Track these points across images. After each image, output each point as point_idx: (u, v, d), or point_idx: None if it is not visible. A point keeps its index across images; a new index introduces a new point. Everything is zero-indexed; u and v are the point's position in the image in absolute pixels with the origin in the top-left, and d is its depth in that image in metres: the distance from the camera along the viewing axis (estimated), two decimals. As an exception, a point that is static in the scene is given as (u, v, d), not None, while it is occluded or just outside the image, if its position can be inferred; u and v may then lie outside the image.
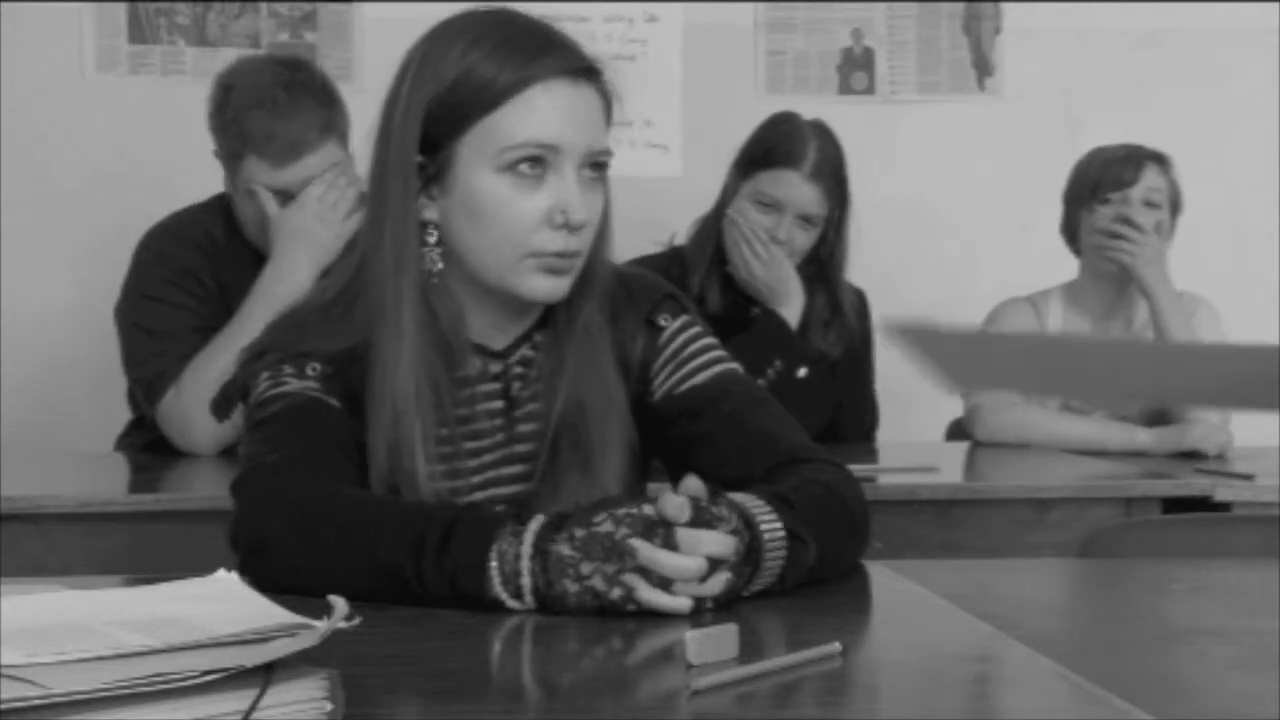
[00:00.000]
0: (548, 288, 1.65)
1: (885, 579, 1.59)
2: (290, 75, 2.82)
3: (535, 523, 1.41)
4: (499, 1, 1.71)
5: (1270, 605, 1.50)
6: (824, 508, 1.55)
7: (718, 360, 1.76)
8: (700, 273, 3.19)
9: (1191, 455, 2.96)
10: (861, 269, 3.45)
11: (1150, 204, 3.17)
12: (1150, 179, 3.17)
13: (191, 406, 2.70)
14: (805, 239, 3.14)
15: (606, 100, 1.67)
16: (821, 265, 3.19)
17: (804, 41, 4.09)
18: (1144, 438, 3.03)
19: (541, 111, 1.61)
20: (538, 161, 1.61)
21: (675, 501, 1.40)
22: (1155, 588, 1.69)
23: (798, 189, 3.09)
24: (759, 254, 3.10)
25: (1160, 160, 3.21)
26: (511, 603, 1.39)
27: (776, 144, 3.13)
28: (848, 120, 3.54)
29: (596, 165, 1.65)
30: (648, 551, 1.36)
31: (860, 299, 3.31)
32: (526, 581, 1.38)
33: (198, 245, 2.89)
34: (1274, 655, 1.28)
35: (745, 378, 1.78)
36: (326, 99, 2.82)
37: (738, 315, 3.18)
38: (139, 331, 2.85)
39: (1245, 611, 1.49)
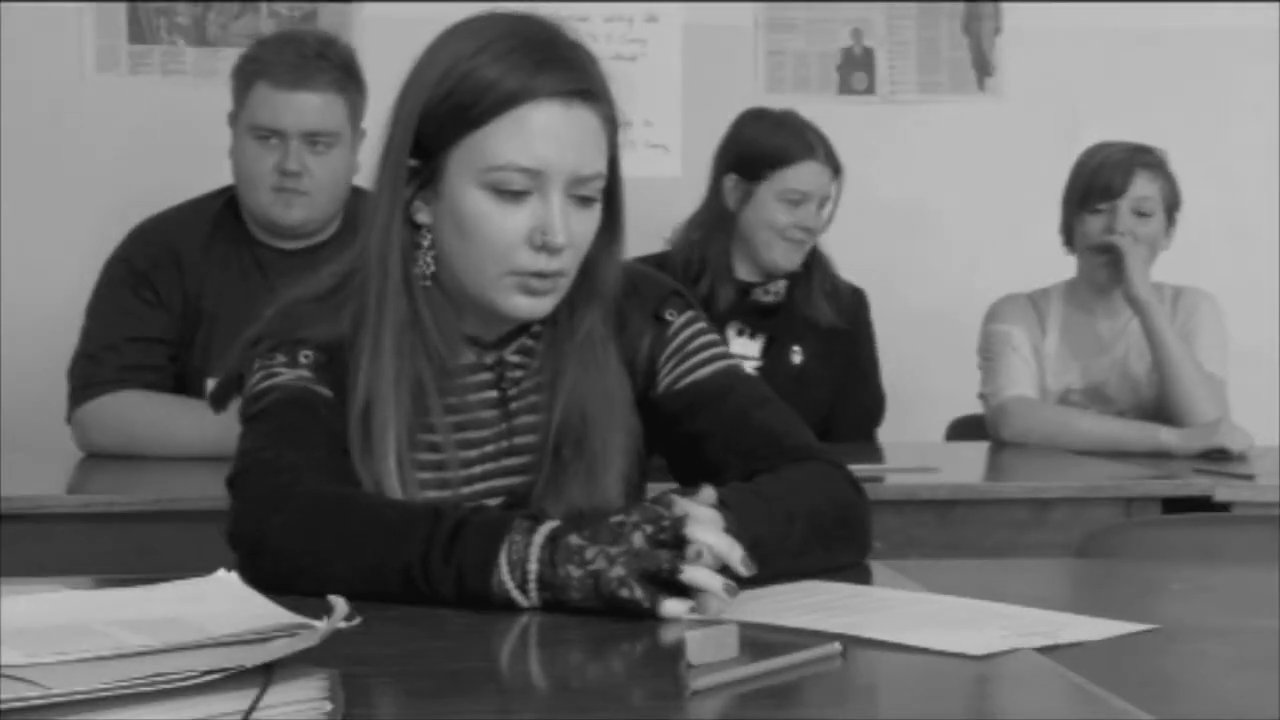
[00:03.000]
0: (527, 306, 1.64)
1: (886, 579, 1.59)
2: (319, 42, 2.93)
3: (552, 520, 1.42)
4: (510, 0, 1.70)
5: (1270, 605, 1.50)
6: (772, 509, 1.54)
7: (720, 356, 1.76)
8: (713, 277, 3.29)
9: (1218, 455, 2.94)
10: (862, 269, 3.45)
11: (1140, 213, 3.17)
12: (1140, 188, 3.16)
13: (88, 430, 2.78)
14: (824, 220, 3.32)
15: (607, 121, 1.64)
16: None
17: (804, 41, 4.09)
18: (1168, 437, 3.03)
19: (528, 133, 1.59)
20: (522, 181, 1.59)
21: (708, 515, 1.41)
22: (1155, 588, 1.69)
23: (819, 176, 3.28)
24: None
25: (1151, 165, 3.18)
26: (516, 594, 1.39)
27: (785, 141, 3.28)
28: (848, 120, 3.54)
29: (586, 189, 1.62)
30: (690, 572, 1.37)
31: (858, 296, 3.36)
32: (533, 568, 1.38)
33: (169, 249, 2.90)
34: (1274, 655, 1.28)
35: (748, 375, 1.78)
36: (346, 68, 2.90)
37: (746, 314, 3.31)
38: (85, 328, 2.90)
39: (1245, 611, 1.49)
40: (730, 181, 3.28)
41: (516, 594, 1.39)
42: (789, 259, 3.28)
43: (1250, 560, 1.85)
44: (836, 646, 1.23)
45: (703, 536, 1.39)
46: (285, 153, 2.85)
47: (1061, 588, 1.76)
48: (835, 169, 3.29)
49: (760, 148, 3.28)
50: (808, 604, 1.41)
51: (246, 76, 2.89)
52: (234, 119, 2.93)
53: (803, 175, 3.25)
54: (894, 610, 1.40)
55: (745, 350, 3.27)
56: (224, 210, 2.97)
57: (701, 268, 3.28)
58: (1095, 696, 1.12)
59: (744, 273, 3.32)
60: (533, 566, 1.39)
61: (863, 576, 1.60)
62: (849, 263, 3.41)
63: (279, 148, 2.85)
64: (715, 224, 3.30)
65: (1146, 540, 2.17)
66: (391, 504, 1.56)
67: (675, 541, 1.38)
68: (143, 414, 2.75)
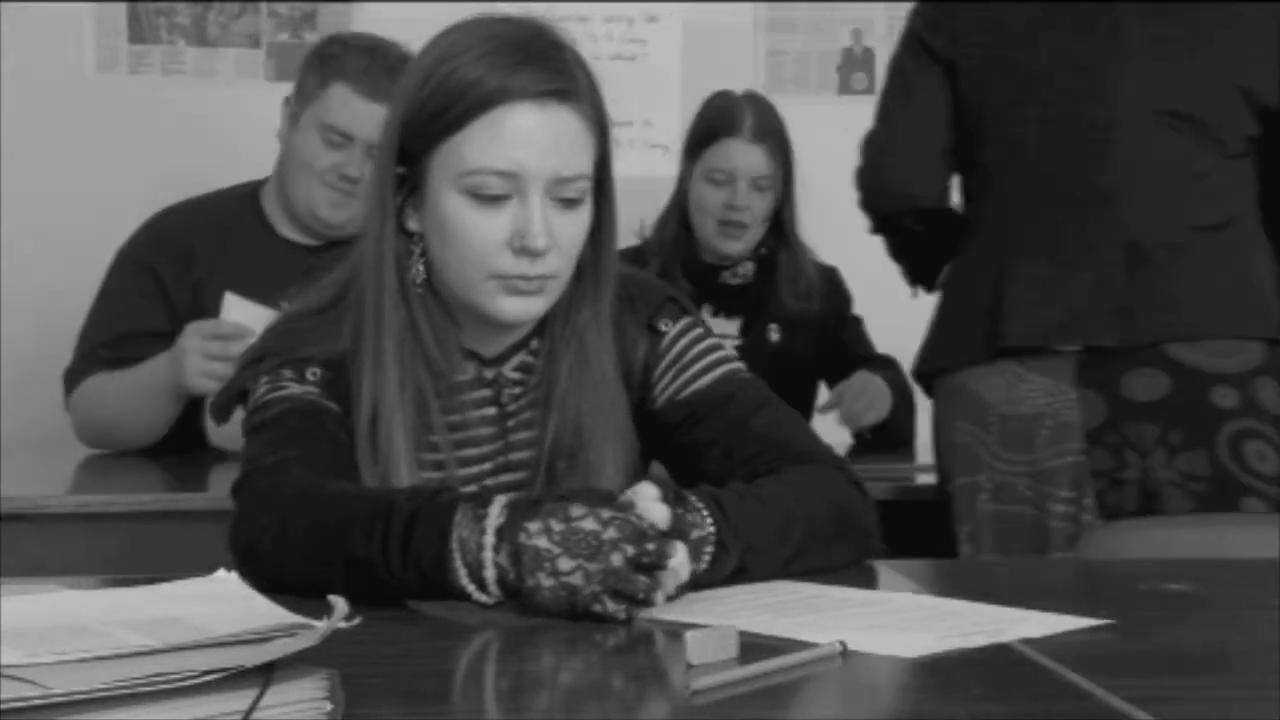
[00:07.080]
0: (514, 310, 1.63)
1: (887, 579, 1.59)
2: (398, 57, 2.82)
3: (496, 507, 1.38)
4: (503, 0, 1.69)
5: (1270, 605, 1.50)
6: (769, 510, 1.53)
7: (720, 362, 1.75)
8: (662, 256, 3.27)
9: None
10: (861, 268, 3.45)
11: None
12: None
13: (75, 421, 2.85)
14: (762, 203, 3.25)
15: (591, 122, 1.62)
16: (778, 228, 3.30)
17: (804, 41, 4.09)
18: None
19: (503, 136, 1.58)
20: (500, 184, 1.59)
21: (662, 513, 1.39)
22: (1155, 588, 1.69)
23: (743, 154, 3.21)
24: None
25: None
26: (478, 595, 1.38)
27: (713, 118, 3.25)
28: (848, 120, 3.52)
29: (568, 190, 1.61)
30: (669, 579, 1.36)
31: (828, 275, 3.36)
32: (490, 573, 1.36)
33: (180, 239, 2.92)
34: (1274, 655, 1.28)
35: (749, 377, 1.76)
36: None
37: (718, 296, 3.30)
38: (90, 314, 2.95)
39: (1245, 611, 1.49)
40: (681, 163, 3.32)
41: (478, 594, 1.38)
42: (726, 243, 3.25)
43: (1250, 560, 1.85)
44: (837, 646, 1.23)
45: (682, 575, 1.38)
46: (350, 158, 2.85)
47: (1061, 587, 1.76)
48: (773, 150, 3.20)
49: (693, 128, 3.29)
50: (762, 604, 1.41)
51: (325, 74, 2.88)
52: (294, 104, 2.93)
53: (725, 153, 3.20)
54: (847, 612, 1.39)
55: (724, 330, 3.26)
56: (244, 202, 2.98)
57: (659, 253, 3.28)
58: (1094, 696, 1.12)
59: (710, 256, 3.31)
60: (489, 573, 1.36)
61: (866, 577, 1.60)
62: (849, 262, 3.41)
63: (344, 150, 2.86)
64: (672, 208, 3.32)
65: (1146, 540, 2.17)
66: (356, 496, 1.51)
67: (654, 566, 1.35)
68: (106, 398, 2.78)
